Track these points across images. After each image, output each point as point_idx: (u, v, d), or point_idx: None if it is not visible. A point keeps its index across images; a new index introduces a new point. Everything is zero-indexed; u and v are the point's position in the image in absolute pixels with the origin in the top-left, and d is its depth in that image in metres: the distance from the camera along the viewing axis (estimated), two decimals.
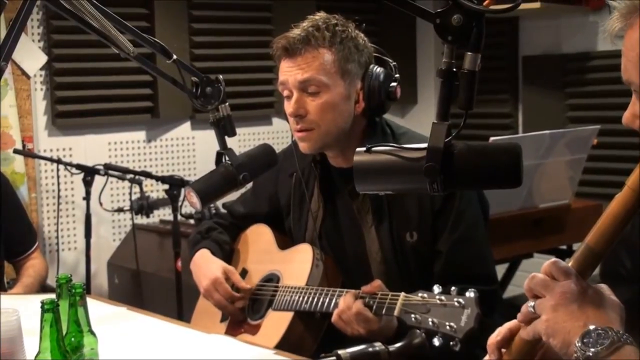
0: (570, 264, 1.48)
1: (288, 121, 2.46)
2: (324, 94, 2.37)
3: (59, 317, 1.67)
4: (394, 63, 2.47)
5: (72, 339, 1.74)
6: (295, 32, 2.38)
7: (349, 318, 2.24)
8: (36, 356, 1.68)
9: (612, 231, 1.46)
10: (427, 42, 5.76)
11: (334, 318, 2.28)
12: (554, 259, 1.49)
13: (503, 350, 1.54)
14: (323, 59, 2.36)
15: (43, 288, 3.23)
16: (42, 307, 1.65)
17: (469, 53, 1.31)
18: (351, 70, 2.39)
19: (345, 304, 2.26)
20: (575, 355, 1.36)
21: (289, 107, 2.41)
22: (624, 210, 1.45)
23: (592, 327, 1.36)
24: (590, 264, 1.47)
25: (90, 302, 2.60)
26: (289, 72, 2.38)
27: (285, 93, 2.42)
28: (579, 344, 1.35)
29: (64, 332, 1.71)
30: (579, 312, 1.39)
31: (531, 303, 1.45)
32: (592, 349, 1.34)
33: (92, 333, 1.78)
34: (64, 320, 1.72)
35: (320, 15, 2.44)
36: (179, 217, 3.88)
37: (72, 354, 1.72)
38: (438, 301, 2.02)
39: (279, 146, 2.77)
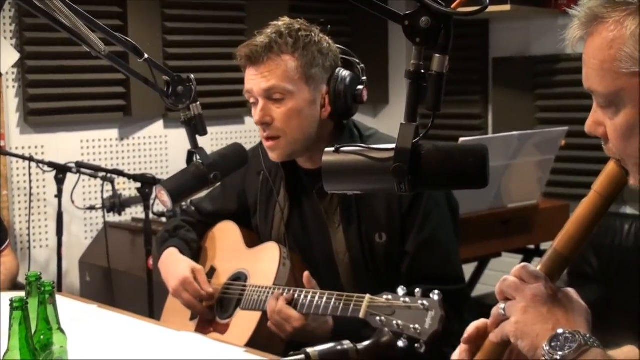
0: (538, 268, 1.48)
1: None
2: (288, 100, 2.36)
3: (28, 315, 1.66)
4: (362, 65, 2.46)
5: (42, 337, 1.73)
6: (258, 39, 2.37)
7: (275, 321, 2.28)
8: (5, 354, 1.67)
9: (580, 236, 1.47)
10: (399, 42, 5.78)
11: (268, 324, 2.30)
12: (523, 263, 1.49)
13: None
14: (286, 66, 2.35)
15: (14, 286, 3.20)
16: (10, 305, 1.64)
17: (437, 55, 1.31)
18: (315, 75, 2.38)
19: (270, 307, 2.28)
20: (543, 358, 1.37)
21: (255, 114, 2.41)
22: (592, 215, 1.46)
23: (560, 330, 1.37)
24: (559, 267, 1.48)
25: (61, 300, 2.60)
26: (253, 80, 2.38)
27: (252, 100, 2.42)
28: (547, 347, 1.36)
29: (33, 330, 1.70)
30: (548, 315, 1.40)
31: (502, 305, 1.45)
32: (560, 352, 1.35)
33: (62, 331, 1.77)
34: (33, 318, 1.71)
35: (283, 21, 2.43)
36: (151, 215, 3.87)
37: (41, 352, 1.71)
38: (403, 303, 2.02)
39: (250, 145, 2.77)
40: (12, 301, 1.64)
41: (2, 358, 1.68)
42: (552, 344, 1.36)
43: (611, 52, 1.30)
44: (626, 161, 1.38)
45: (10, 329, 1.65)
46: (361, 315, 2.10)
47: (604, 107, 1.36)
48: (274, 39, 2.35)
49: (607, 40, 1.31)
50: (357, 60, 2.46)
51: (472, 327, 1.56)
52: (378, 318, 2.05)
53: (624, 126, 1.34)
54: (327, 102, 2.41)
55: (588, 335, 1.36)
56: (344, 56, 2.47)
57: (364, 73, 2.45)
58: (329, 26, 2.47)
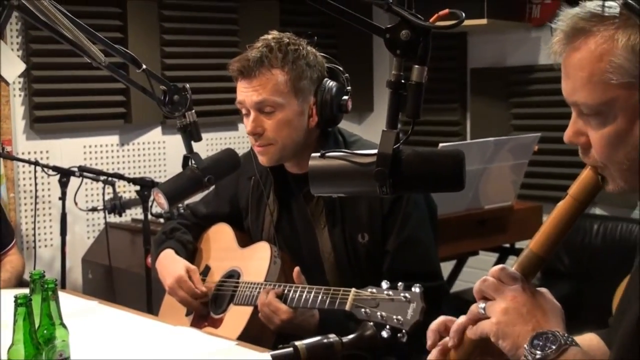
0: (514, 268, 1.48)
1: None
2: (279, 112, 2.37)
3: (31, 311, 1.66)
4: (347, 75, 2.46)
5: (45, 332, 1.72)
6: (250, 54, 2.37)
7: (265, 313, 2.28)
8: (9, 348, 1.67)
9: (554, 237, 1.46)
10: (383, 53, 5.77)
11: (259, 315, 2.30)
12: (501, 265, 1.48)
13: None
14: (276, 80, 2.35)
15: (20, 283, 3.19)
16: (15, 301, 1.64)
17: (417, 66, 1.31)
18: (304, 87, 2.38)
19: (260, 300, 2.28)
20: (524, 357, 1.36)
21: (247, 124, 2.41)
22: (566, 218, 1.46)
23: (540, 331, 1.37)
24: (535, 267, 1.47)
25: (64, 296, 2.59)
26: (245, 93, 2.38)
27: (244, 111, 2.43)
28: (528, 347, 1.35)
29: (37, 325, 1.70)
30: (528, 316, 1.39)
31: (482, 304, 1.44)
32: (541, 352, 1.34)
33: (64, 326, 1.77)
34: (36, 314, 1.71)
35: (272, 35, 2.42)
36: (150, 216, 3.86)
37: (44, 345, 1.71)
38: (386, 296, 2.02)
39: (243, 150, 2.77)
40: (16, 298, 1.65)
41: (7, 351, 1.68)
42: (534, 344, 1.35)
43: (601, 65, 1.29)
44: (611, 168, 1.37)
45: (14, 324, 1.65)
46: (347, 307, 2.10)
47: (590, 117, 1.35)
48: (264, 54, 2.35)
49: (596, 53, 1.30)
50: (342, 70, 2.47)
51: (433, 334, 1.56)
52: (363, 310, 2.05)
53: (612, 135, 1.33)
54: (314, 112, 2.41)
55: (567, 335, 1.36)
56: (330, 65, 2.47)
57: (348, 82, 2.45)
58: (315, 37, 2.47)
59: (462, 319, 1.49)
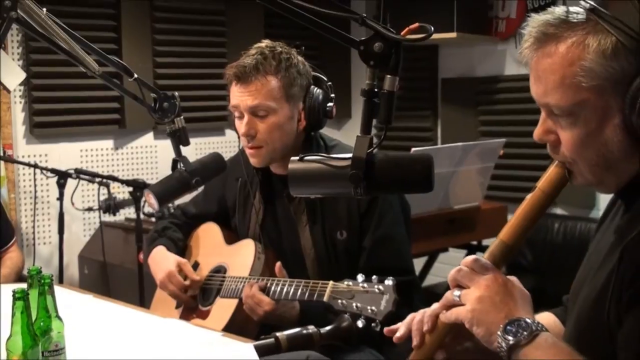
0: (485, 257, 1.48)
1: (238, 135, 2.45)
2: (271, 116, 2.37)
3: (28, 304, 1.64)
4: (330, 83, 2.47)
5: (41, 324, 1.70)
6: (246, 60, 2.37)
7: (248, 305, 2.28)
8: (7, 339, 1.65)
9: (523, 228, 1.47)
10: (361, 63, 5.67)
11: (244, 307, 2.30)
12: (474, 255, 1.49)
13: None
14: (270, 85, 2.35)
15: (20, 278, 3.17)
16: (13, 295, 1.63)
17: (389, 76, 1.31)
18: (295, 93, 2.39)
19: (245, 293, 2.28)
20: (497, 343, 1.36)
21: (240, 127, 2.41)
22: (535, 210, 1.46)
23: (513, 318, 1.37)
24: (504, 256, 1.47)
25: (61, 290, 2.58)
26: (241, 97, 2.38)
27: (237, 114, 2.42)
28: (502, 334, 1.35)
29: (34, 318, 1.69)
30: (501, 304, 1.39)
31: (456, 292, 1.44)
32: (513, 338, 1.34)
33: (59, 318, 1.75)
34: (33, 307, 1.69)
35: (266, 44, 2.43)
36: (142, 215, 3.86)
37: (41, 337, 1.69)
38: (361, 288, 2.02)
39: (230, 154, 2.77)
40: (14, 292, 1.63)
41: (5, 342, 1.67)
42: (507, 331, 1.35)
43: (572, 69, 1.30)
44: (580, 164, 1.38)
45: (12, 317, 1.64)
46: (325, 299, 2.10)
47: (560, 118, 1.35)
48: (259, 61, 2.35)
49: (567, 57, 1.30)
50: (325, 79, 2.47)
51: (404, 326, 1.55)
52: (340, 301, 2.05)
53: (583, 134, 1.33)
54: (303, 117, 2.43)
55: (537, 322, 1.36)
56: (315, 73, 2.47)
57: (332, 90, 2.46)
58: (303, 47, 2.48)
59: (436, 305, 1.49)
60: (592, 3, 1.30)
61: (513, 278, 1.48)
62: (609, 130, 1.31)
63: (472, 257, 1.47)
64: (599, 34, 1.28)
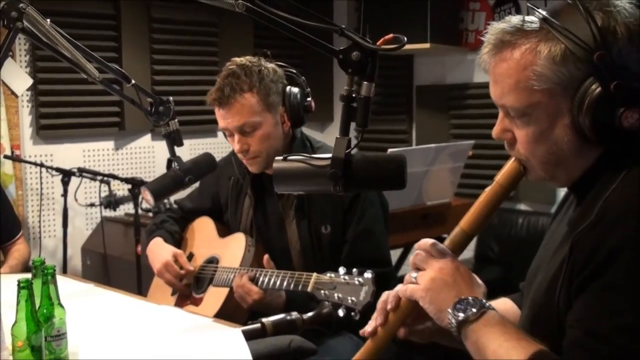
0: (445, 244, 1.49)
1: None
2: (259, 130, 2.37)
3: (32, 293, 1.64)
4: (303, 77, 2.46)
5: (44, 311, 1.69)
6: (221, 84, 2.34)
7: (239, 293, 2.28)
8: (13, 325, 1.65)
9: (481, 218, 1.48)
10: (342, 71, 5.75)
11: (234, 295, 2.29)
12: (433, 240, 1.49)
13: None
14: (250, 102, 2.33)
15: (27, 268, 3.14)
16: (18, 285, 1.62)
17: (365, 82, 1.31)
18: (274, 101, 2.37)
19: (235, 282, 2.27)
20: (447, 319, 1.37)
21: (234, 144, 2.41)
22: (493, 201, 1.48)
23: (463, 297, 1.38)
24: (463, 243, 1.49)
25: (65, 280, 2.57)
26: (226, 120, 2.37)
27: (227, 132, 2.42)
28: (452, 311, 1.36)
29: (37, 306, 1.68)
30: (453, 284, 1.40)
31: (414, 274, 1.46)
32: (463, 314, 1.35)
33: (61, 306, 1.74)
34: (37, 296, 1.68)
35: (234, 63, 2.39)
36: (140, 211, 3.84)
37: (44, 323, 1.68)
38: (342, 280, 2.02)
39: (222, 154, 2.77)
40: (19, 282, 1.62)
41: (11, 328, 1.66)
42: (456, 308, 1.36)
43: (526, 73, 1.30)
44: (532, 161, 1.39)
45: (17, 305, 1.63)
46: (309, 289, 2.10)
47: (515, 117, 1.36)
48: (233, 82, 2.33)
49: (521, 63, 1.31)
50: (297, 73, 2.45)
51: (380, 304, 1.56)
52: (322, 292, 2.05)
53: (536, 133, 1.34)
54: (286, 119, 2.42)
55: (485, 302, 1.37)
56: (288, 72, 2.45)
57: (306, 85, 2.45)
58: (269, 52, 2.46)
59: (399, 286, 1.51)
60: (545, 14, 1.31)
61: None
62: (559, 130, 1.32)
63: (430, 241, 1.48)
64: (550, 42, 1.29)
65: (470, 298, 1.37)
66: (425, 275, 1.43)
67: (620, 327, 1.17)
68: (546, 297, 1.35)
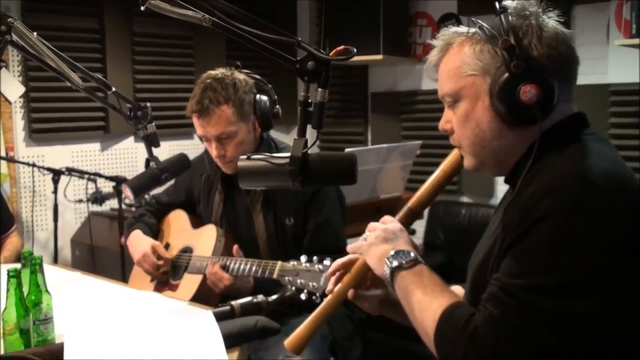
0: (395, 219, 1.55)
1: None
2: (234, 137, 2.35)
3: (21, 281, 1.61)
4: (270, 85, 2.45)
5: (32, 297, 1.67)
6: (199, 97, 2.31)
7: (211, 280, 2.27)
8: (3, 310, 1.62)
9: (426, 199, 1.56)
10: None
11: (207, 281, 2.28)
12: (388, 215, 1.55)
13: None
14: (226, 114, 2.32)
15: (19, 259, 3.08)
16: (7, 274, 1.59)
17: (320, 89, 1.30)
18: (247, 110, 2.36)
19: (208, 270, 2.26)
20: (384, 267, 1.41)
21: (211, 149, 2.39)
22: (437, 185, 1.56)
23: (399, 248, 1.43)
24: (409, 220, 1.55)
25: (54, 269, 2.53)
26: (205, 129, 2.35)
27: (205, 139, 2.39)
28: (388, 260, 1.41)
29: (26, 293, 1.65)
30: (393, 239, 1.46)
31: (364, 236, 1.51)
32: (396, 262, 1.39)
33: (48, 292, 1.71)
34: (26, 283, 1.65)
35: (209, 76, 2.37)
36: (124, 206, 3.80)
37: (32, 308, 1.65)
38: (304, 267, 2.02)
39: (197, 154, 2.74)
40: (8, 271, 1.60)
41: (1, 313, 1.62)
42: (393, 257, 1.41)
43: (456, 63, 1.38)
44: (463, 144, 1.42)
45: (7, 292, 1.60)
46: (275, 276, 2.09)
47: (452, 105, 1.41)
48: (211, 95, 2.30)
49: (453, 56, 1.39)
50: (265, 81, 2.44)
51: (335, 266, 1.60)
52: (286, 278, 2.04)
53: (461, 115, 1.39)
54: (257, 125, 2.41)
55: (419, 257, 1.41)
56: (255, 79, 2.43)
57: (273, 92, 2.44)
58: (239, 63, 2.45)
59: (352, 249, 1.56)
60: (478, 21, 1.38)
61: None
62: (480, 111, 1.36)
63: (386, 216, 1.54)
64: (476, 39, 1.37)
65: (406, 250, 1.42)
66: (371, 235, 1.49)
67: (531, 286, 1.19)
68: (481, 271, 1.38)
